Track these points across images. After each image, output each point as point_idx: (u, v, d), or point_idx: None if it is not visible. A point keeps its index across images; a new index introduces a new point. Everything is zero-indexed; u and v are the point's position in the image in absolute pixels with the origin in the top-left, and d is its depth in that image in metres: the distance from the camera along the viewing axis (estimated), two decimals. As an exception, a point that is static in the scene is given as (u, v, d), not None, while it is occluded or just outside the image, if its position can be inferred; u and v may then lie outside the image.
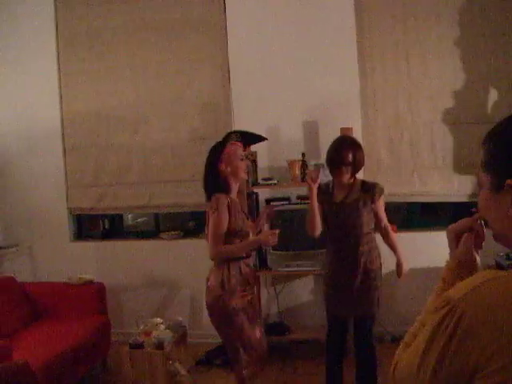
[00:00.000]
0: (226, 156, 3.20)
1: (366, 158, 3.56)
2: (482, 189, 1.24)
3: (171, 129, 5.15)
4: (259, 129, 4.59)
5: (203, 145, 4.66)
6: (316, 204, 3.39)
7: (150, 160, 5.20)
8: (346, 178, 3.42)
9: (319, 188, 3.43)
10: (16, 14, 5.36)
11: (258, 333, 3.28)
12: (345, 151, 3.37)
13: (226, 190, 3.19)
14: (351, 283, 3.43)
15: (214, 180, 3.19)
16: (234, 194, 3.25)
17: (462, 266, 1.32)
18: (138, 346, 3.87)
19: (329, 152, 3.46)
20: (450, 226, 1.39)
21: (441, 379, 1.06)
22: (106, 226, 5.55)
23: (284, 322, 4.90)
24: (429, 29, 4.75)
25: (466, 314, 1.04)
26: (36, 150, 5.39)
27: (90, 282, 4.71)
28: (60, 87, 5.35)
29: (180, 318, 4.39)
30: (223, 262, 3.15)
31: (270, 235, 3.09)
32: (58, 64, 5.34)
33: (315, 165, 4.61)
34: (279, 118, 4.95)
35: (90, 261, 5.34)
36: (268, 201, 4.76)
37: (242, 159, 3.25)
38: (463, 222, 1.36)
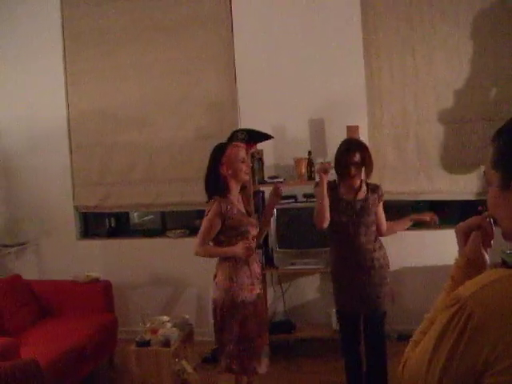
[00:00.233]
0: (226, 158, 3.24)
1: (372, 156, 3.57)
2: (490, 186, 1.23)
3: (177, 127, 5.16)
4: (265, 127, 4.61)
5: (209, 143, 4.61)
6: (326, 195, 3.39)
7: (156, 158, 5.21)
8: (357, 179, 3.47)
9: (327, 183, 3.46)
10: (22, 12, 5.37)
11: (261, 331, 3.30)
12: (352, 152, 3.41)
13: (226, 192, 3.24)
14: (359, 280, 3.44)
15: (215, 182, 3.26)
16: (234, 195, 3.29)
17: (470, 264, 1.32)
18: (145, 343, 3.88)
19: (337, 155, 3.50)
20: (458, 225, 1.39)
21: (450, 377, 1.06)
22: (113, 224, 5.57)
23: (290, 319, 4.90)
24: (434, 27, 4.73)
25: (476, 312, 1.03)
26: (42, 148, 5.40)
27: (97, 280, 4.73)
28: (66, 86, 5.36)
29: (186, 316, 4.39)
30: (229, 257, 3.22)
31: (243, 248, 3.15)
32: (64, 63, 5.35)
33: (321, 163, 4.59)
34: (285, 116, 4.95)
35: (97, 259, 5.36)
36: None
37: (242, 161, 3.27)
38: (472, 220, 1.36)
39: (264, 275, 4.75)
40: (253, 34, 5.00)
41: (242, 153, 3.30)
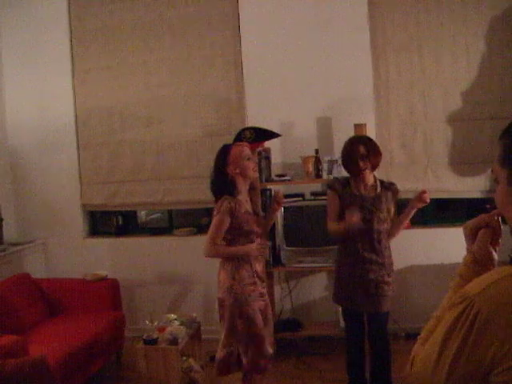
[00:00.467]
0: (232, 158, 3.25)
1: (378, 146, 3.58)
2: (498, 184, 1.23)
3: (185, 125, 5.16)
4: (273, 125, 4.61)
5: (217, 141, 4.66)
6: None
7: (164, 156, 5.22)
8: (369, 175, 3.47)
9: (338, 181, 3.46)
10: (29, 11, 5.38)
11: (267, 333, 3.31)
12: (356, 146, 3.42)
13: (234, 191, 3.26)
14: (367, 278, 3.44)
15: (222, 183, 3.27)
16: (242, 195, 3.30)
17: (478, 263, 1.32)
18: (152, 341, 3.89)
19: (343, 152, 3.51)
20: (466, 223, 1.39)
21: (458, 374, 1.06)
22: (120, 223, 5.57)
23: (297, 318, 4.90)
24: (442, 24, 4.72)
25: (483, 309, 1.03)
26: (50, 146, 5.42)
27: (104, 278, 4.75)
28: (74, 84, 5.38)
29: (194, 314, 4.41)
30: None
31: (258, 249, 3.19)
32: (72, 61, 5.36)
33: (329, 161, 4.60)
34: (293, 114, 4.94)
35: (104, 257, 5.37)
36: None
37: (248, 158, 3.29)
38: (480, 218, 1.36)
39: (271, 273, 4.76)
40: (260, 32, 5.00)
41: (247, 151, 3.32)
